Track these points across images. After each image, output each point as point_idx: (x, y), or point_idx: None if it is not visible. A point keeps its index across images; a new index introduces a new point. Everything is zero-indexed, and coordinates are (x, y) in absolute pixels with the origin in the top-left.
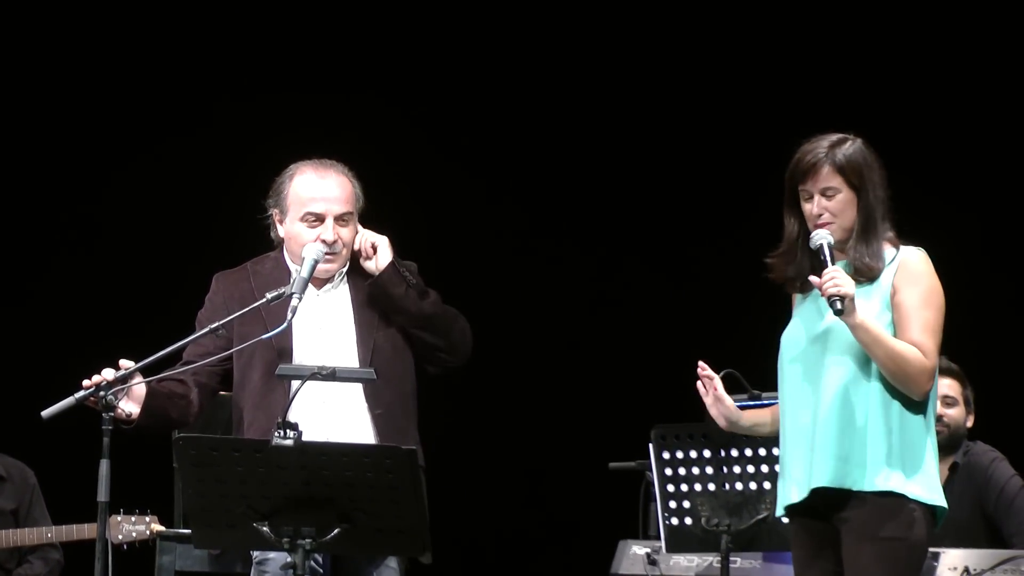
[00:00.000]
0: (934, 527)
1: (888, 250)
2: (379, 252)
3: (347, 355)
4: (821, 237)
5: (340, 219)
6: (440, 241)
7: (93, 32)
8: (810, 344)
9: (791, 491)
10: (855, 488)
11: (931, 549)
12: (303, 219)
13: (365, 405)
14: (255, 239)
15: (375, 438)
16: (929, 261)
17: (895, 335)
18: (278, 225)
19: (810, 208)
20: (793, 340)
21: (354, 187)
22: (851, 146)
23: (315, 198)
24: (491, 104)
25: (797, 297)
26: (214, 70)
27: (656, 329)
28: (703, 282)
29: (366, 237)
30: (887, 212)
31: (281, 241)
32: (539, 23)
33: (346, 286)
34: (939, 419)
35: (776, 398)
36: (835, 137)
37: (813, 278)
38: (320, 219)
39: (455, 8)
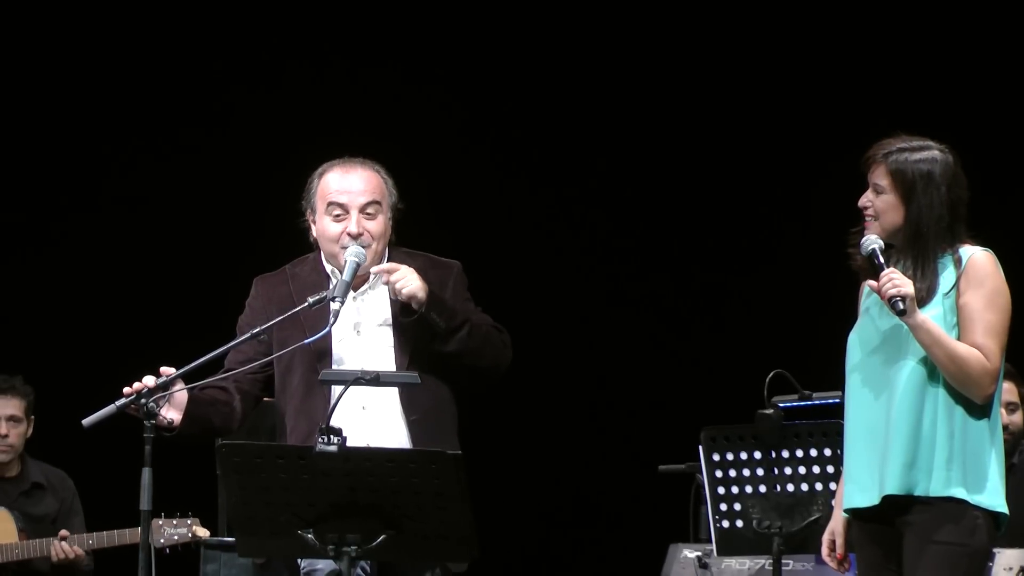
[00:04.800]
0: (996, 533)
1: (949, 264)
2: (408, 291)
3: (385, 360)
4: (871, 242)
5: (365, 211)
6: (486, 239)
7: (126, 50)
8: (878, 346)
9: (856, 496)
10: (921, 494)
11: None
12: (328, 212)
13: (401, 411)
14: (299, 244)
15: (410, 445)
16: (996, 263)
17: (959, 339)
18: (312, 226)
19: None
20: (860, 342)
21: (383, 180)
22: (918, 155)
23: (339, 190)
24: (545, 119)
25: (863, 297)
26: (254, 77)
27: (706, 330)
28: (754, 283)
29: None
30: (949, 230)
31: (317, 243)
32: (586, 11)
33: (384, 287)
34: (1004, 427)
35: (828, 399)
36: (916, 142)
37: (871, 282)
38: (345, 210)
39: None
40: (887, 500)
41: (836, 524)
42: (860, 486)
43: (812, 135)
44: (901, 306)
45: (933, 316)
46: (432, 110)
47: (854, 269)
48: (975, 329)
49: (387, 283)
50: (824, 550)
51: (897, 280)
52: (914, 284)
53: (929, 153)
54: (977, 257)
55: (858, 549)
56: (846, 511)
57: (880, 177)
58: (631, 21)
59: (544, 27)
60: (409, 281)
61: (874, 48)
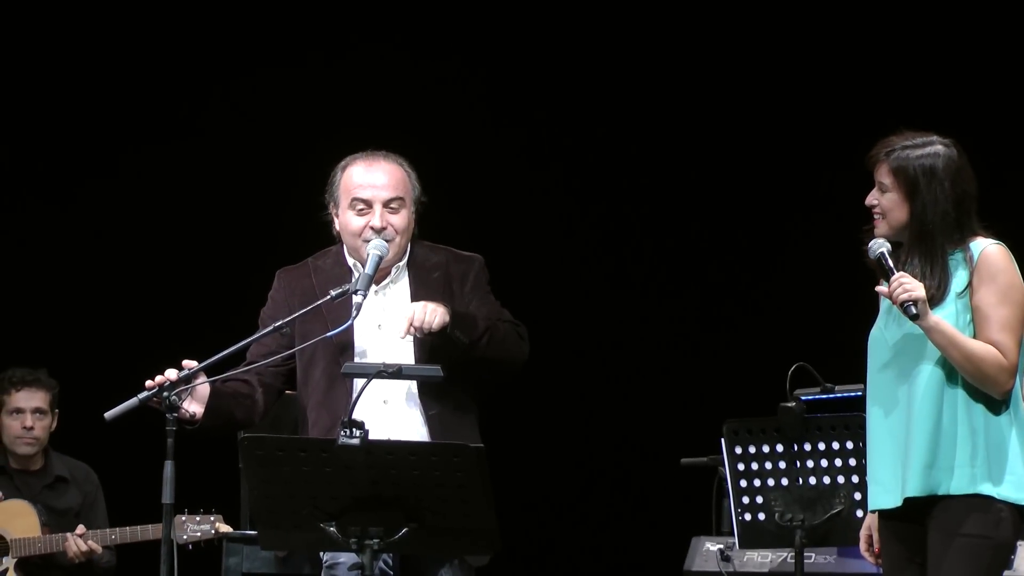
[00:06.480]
0: (1021, 526)
1: (960, 262)
2: (438, 323)
3: (406, 353)
4: (879, 246)
5: (389, 206)
6: (508, 233)
7: (152, 37)
8: (898, 346)
9: (880, 497)
10: (943, 493)
11: None
12: (351, 207)
13: (420, 405)
14: (322, 237)
15: (430, 439)
16: (1009, 256)
17: (975, 336)
18: (335, 220)
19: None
20: (880, 341)
21: (406, 174)
22: (920, 151)
23: (362, 185)
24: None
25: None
26: (277, 67)
27: (728, 323)
28: (777, 275)
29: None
30: (956, 225)
31: (339, 236)
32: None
33: (405, 280)
34: None
35: (850, 392)
36: (920, 138)
37: (881, 288)
38: (368, 205)
39: None
40: (909, 500)
41: (871, 520)
42: (884, 487)
43: (835, 127)
44: (914, 311)
45: (945, 316)
46: (454, 103)
47: (869, 267)
48: (990, 326)
49: (413, 333)
50: (862, 545)
51: (908, 284)
52: (924, 283)
53: (932, 148)
54: (989, 251)
55: (883, 546)
56: (871, 511)
57: (884, 175)
58: (649, 17)
59: (568, 20)
60: (432, 314)
61: (891, 41)
